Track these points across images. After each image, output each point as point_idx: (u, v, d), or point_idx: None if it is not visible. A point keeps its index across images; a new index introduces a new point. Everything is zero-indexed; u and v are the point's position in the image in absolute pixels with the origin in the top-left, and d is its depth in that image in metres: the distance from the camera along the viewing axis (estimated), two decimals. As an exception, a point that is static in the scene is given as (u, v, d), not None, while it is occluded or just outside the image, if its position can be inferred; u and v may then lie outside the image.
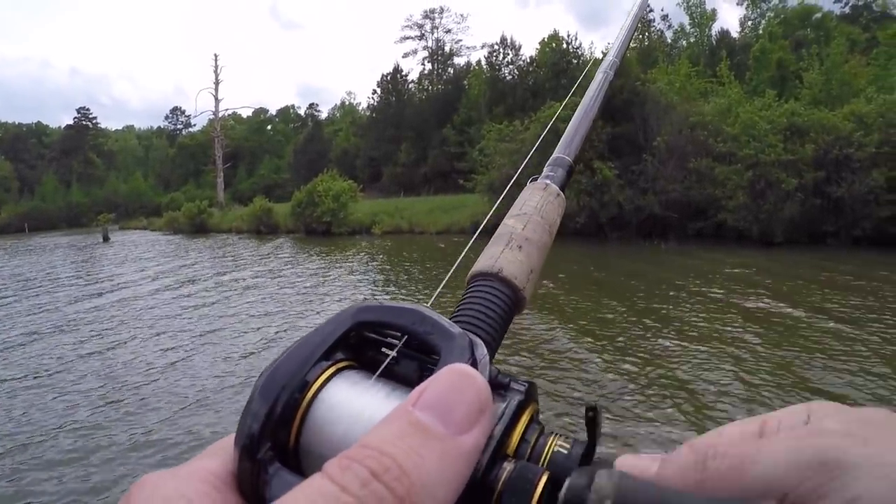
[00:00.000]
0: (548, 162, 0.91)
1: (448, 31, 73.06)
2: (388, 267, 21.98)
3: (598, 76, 1.16)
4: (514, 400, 0.45)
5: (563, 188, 0.87)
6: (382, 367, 0.45)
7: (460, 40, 72.79)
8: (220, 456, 0.41)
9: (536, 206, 0.79)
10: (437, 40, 72.59)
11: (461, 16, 73.94)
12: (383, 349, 0.48)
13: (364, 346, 0.48)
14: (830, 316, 10.96)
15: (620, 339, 10.30)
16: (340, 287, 17.28)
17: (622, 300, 13.35)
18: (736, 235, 22.19)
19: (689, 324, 11.02)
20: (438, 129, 58.11)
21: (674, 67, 33.55)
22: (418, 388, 0.37)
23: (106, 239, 44.86)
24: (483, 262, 0.68)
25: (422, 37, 73.14)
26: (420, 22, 73.08)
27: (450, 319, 0.54)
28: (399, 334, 0.47)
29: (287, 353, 0.44)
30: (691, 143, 24.28)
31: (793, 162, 21.45)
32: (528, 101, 33.73)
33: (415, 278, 18.84)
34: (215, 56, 60.37)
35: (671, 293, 14.08)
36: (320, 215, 34.26)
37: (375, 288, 17.25)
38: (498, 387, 0.46)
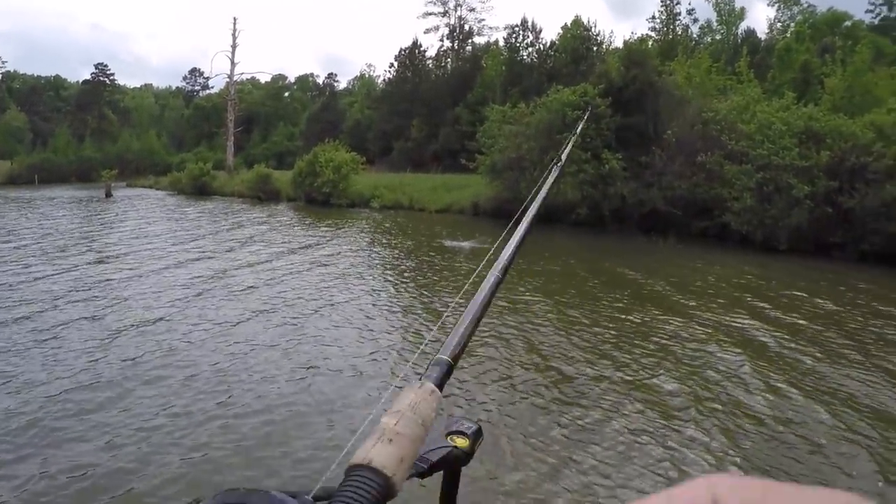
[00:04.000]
0: (430, 362, 0.98)
1: (472, 10, 71.92)
2: (366, 244, 21.29)
3: (489, 278, 1.24)
4: None
5: (440, 386, 0.95)
6: None
7: (483, 20, 71.81)
8: None
9: (410, 403, 0.86)
10: (460, 18, 71.58)
11: (486, -6, 72.80)
12: None
13: None
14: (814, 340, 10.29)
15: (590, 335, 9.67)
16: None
17: (604, 297, 12.70)
18: (739, 238, 21.41)
19: (657, 329, 10.38)
20: (452, 108, 57.33)
21: (693, 61, 32.61)
22: None
23: (108, 195, 44.72)
24: (357, 455, 0.74)
25: (445, 13, 72.11)
26: (444, -2, 72.04)
27: None
28: None
29: None
30: (702, 139, 23.41)
31: (806, 168, 20.57)
32: (545, 84, 32.93)
33: (391, 260, 18.20)
34: (234, 19, 59.70)
35: (653, 293, 13.43)
36: (320, 185, 33.64)
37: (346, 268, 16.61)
38: None
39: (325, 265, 15.70)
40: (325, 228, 23.97)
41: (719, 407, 7.13)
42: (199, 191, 46.14)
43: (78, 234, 20.86)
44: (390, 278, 14.67)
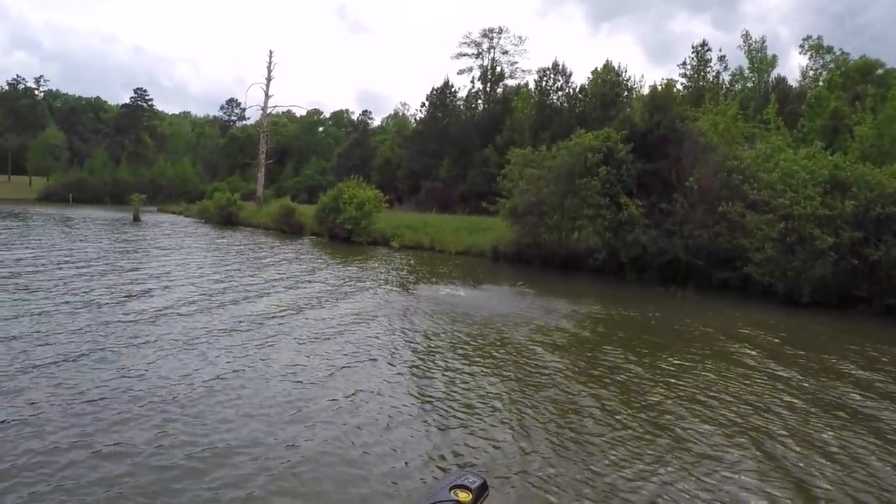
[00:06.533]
0: None
1: (505, 52, 72.48)
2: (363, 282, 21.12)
3: None
4: None
5: None
6: None
7: (516, 62, 72.02)
8: None
9: None
10: (493, 60, 72.12)
11: (519, 38, 72.74)
12: None
13: None
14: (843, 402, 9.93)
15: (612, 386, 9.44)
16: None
17: (626, 347, 12.45)
18: (761, 290, 20.93)
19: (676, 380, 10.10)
20: (481, 149, 57.60)
21: (720, 108, 32.42)
22: None
23: (136, 219, 45.71)
24: None
25: (478, 55, 72.73)
26: (478, 40, 72.72)
27: None
28: None
29: None
30: (726, 188, 23.07)
31: (830, 218, 20.09)
32: (574, 128, 32.87)
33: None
34: (270, 52, 60.47)
35: (670, 346, 13.14)
36: (343, 222, 33.81)
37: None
38: None
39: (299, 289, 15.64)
40: (332, 265, 23.98)
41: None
42: (226, 220, 46.94)
43: (95, 263, 21.00)
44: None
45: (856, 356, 13.03)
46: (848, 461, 7.31)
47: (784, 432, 8.09)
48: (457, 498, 1.22)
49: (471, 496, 1.25)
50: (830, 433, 8.16)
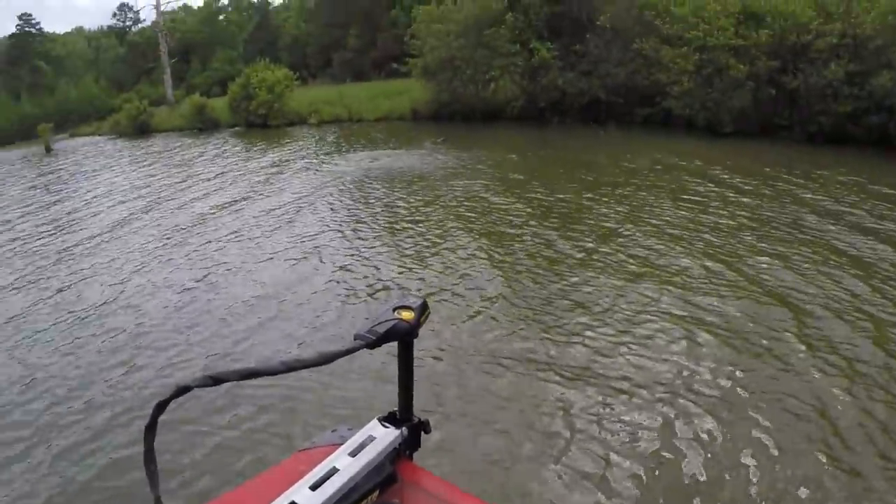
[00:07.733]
0: None
1: None
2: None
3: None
4: None
5: None
6: None
7: None
8: None
9: None
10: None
11: None
12: None
13: None
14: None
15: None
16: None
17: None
18: (684, 123, 20.99)
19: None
20: (387, 12, 55.58)
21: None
22: None
23: (48, 150, 43.68)
24: None
25: None
26: None
27: None
28: None
29: None
30: (639, 24, 22.74)
31: (745, 48, 20.07)
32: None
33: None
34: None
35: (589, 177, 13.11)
36: (256, 108, 32.66)
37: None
38: None
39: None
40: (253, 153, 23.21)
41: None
42: (140, 130, 44.96)
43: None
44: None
45: (789, 176, 13.15)
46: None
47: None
48: (400, 317, 1.20)
49: (413, 314, 1.22)
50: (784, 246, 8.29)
